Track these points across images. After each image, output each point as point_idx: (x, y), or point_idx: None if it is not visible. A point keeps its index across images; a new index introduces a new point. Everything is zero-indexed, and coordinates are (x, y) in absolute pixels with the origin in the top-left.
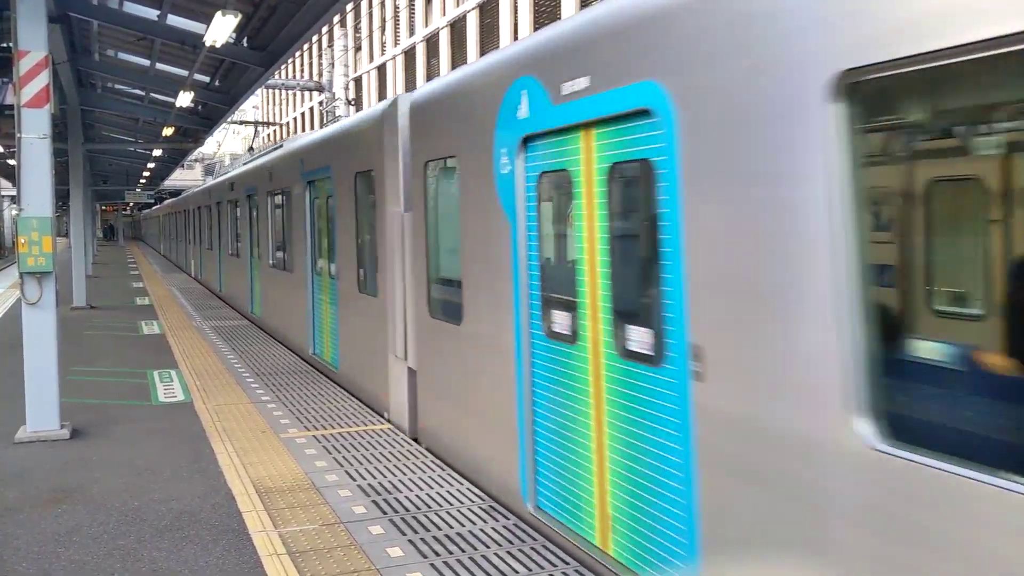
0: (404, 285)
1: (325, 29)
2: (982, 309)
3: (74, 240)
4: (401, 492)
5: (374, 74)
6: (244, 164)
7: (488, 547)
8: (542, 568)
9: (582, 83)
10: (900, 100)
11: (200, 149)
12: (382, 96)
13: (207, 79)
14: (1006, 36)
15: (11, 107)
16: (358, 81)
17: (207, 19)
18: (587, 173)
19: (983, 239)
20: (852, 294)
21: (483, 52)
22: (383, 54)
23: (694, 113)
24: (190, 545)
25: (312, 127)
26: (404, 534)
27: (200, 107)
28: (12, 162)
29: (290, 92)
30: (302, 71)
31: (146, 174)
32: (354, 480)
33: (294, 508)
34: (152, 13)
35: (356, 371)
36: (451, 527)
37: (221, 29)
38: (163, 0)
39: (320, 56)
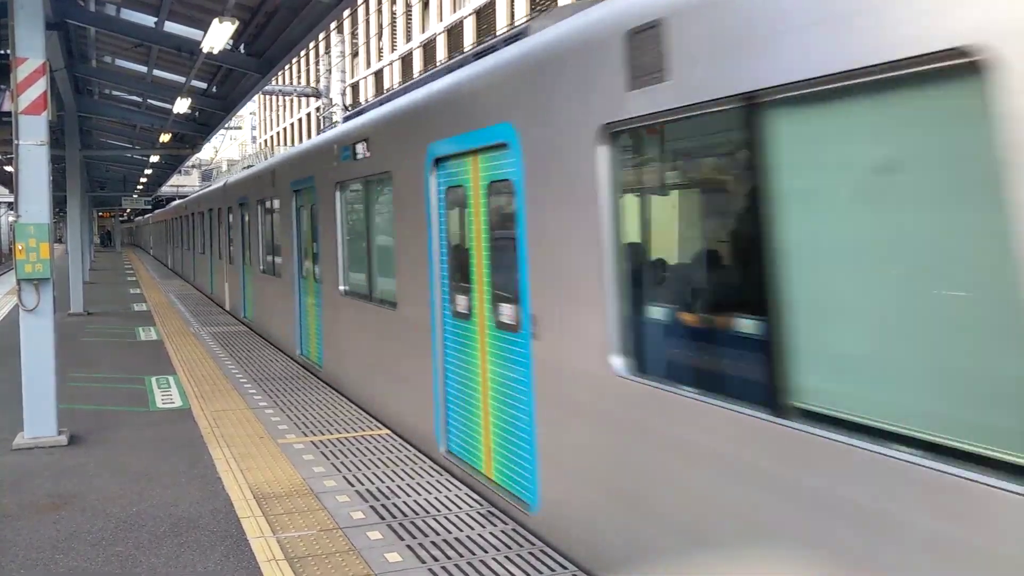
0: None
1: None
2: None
3: (71, 246)
4: (399, 497)
5: (371, 80)
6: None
7: (487, 552)
8: (540, 572)
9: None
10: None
11: (197, 155)
12: None
13: (204, 85)
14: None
15: (8, 114)
16: (355, 87)
17: (204, 26)
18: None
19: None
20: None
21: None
22: (380, 60)
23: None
24: (188, 551)
25: (309, 133)
26: (402, 539)
27: (197, 113)
28: (9, 168)
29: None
30: (299, 77)
31: (143, 180)
32: (352, 485)
33: (292, 514)
34: (149, 20)
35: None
36: (449, 532)
37: (218, 36)
38: (160, 7)
39: (317, 62)
